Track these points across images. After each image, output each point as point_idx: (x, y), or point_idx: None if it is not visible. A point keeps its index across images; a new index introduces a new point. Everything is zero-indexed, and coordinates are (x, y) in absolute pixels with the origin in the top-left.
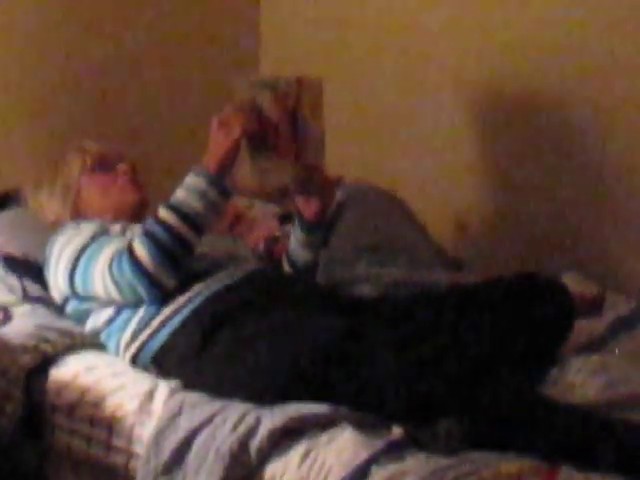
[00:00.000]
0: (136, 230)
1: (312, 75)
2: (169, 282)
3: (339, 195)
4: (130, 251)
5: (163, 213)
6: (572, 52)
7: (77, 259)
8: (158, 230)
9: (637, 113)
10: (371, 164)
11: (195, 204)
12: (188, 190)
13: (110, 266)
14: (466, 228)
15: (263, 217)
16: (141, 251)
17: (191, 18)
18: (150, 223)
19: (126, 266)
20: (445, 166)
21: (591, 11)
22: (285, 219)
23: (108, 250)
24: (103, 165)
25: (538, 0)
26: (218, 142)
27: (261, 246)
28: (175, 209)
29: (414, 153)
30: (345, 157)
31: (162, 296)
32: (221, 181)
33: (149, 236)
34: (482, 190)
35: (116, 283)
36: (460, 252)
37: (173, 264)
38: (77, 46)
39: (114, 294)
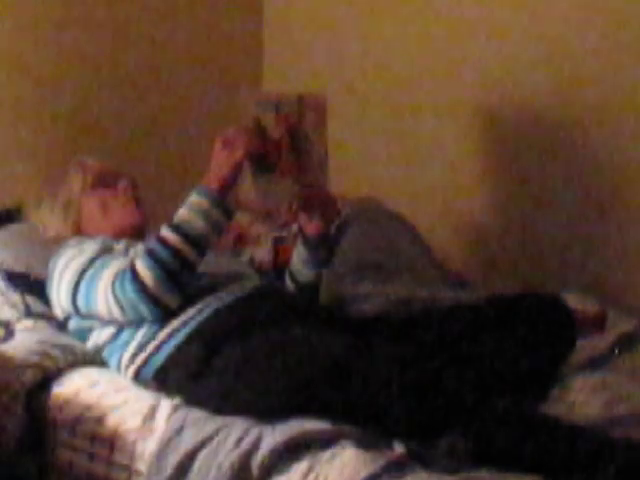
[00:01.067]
0: (139, 249)
1: (316, 91)
2: (171, 302)
3: (343, 213)
4: (133, 271)
5: (166, 233)
6: (574, 66)
7: (80, 277)
8: (161, 250)
9: None
10: (375, 180)
11: (198, 224)
12: (191, 210)
13: (113, 286)
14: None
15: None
16: (144, 271)
17: (193, 36)
18: (153, 243)
19: (129, 286)
20: (449, 183)
21: (590, 28)
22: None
23: (111, 269)
24: (104, 182)
25: (536, 17)
26: (221, 162)
27: (270, 256)
28: (178, 229)
29: (419, 169)
30: (349, 173)
31: (164, 315)
32: (224, 201)
33: (152, 256)
34: (485, 208)
35: (118, 302)
36: (462, 269)
37: (175, 284)
38: (79, 62)
39: (116, 313)
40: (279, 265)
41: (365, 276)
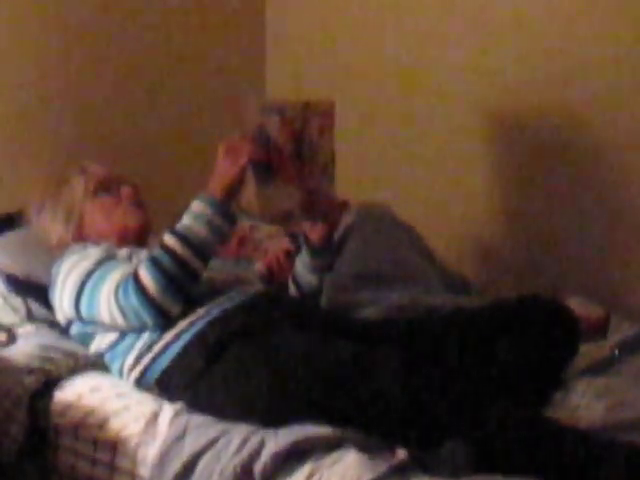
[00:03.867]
0: (142, 256)
1: (323, 97)
2: (174, 309)
3: (348, 219)
4: (136, 278)
5: (169, 240)
6: (585, 75)
7: (83, 284)
8: (164, 257)
9: None
10: (381, 185)
11: (201, 231)
12: (194, 217)
13: (116, 293)
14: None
15: (273, 236)
16: (147, 278)
17: (197, 43)
18: (156, 251)
19: (132, 293)
20: (455, 188)
21: (601, 36)
22: (295, 238)
23: (114, 276)
24: (106, 188)
25: (565, 21)
26: (225, 169)
27: (274, 265)
28: (181, 236)
29: (425, 174)
30: (357, 179)
31: (167, 322)
32: (227, 208)
33: (155, 263)
34: (490, 213)
35: (121, 309)
36: (467, 274)
37: (179, 292)
38: (82, 66)
39: (119, 320)
40: (275, 278)
41: (366, 285)
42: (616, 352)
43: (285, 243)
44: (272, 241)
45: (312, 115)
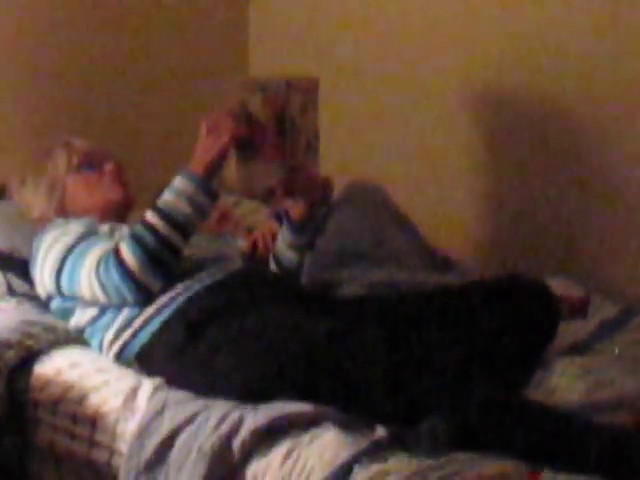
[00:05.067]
0: (124, 232)
1: (307, 74)
2: (155, 285)
3: (334, 196)
4: (117, 254)
5: (150, 217)
6: (579, 62)
7: (64, 259)
8: (145, 234)
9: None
10: (366, 164)
11: (183, 208)
12: (176, 193)
13: (97, 268)
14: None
15: (259, 215)
16: (128, 254)
17: (179, 20)
18: (137, 227)
19: (113, 269)
20: (443, 169)
21: (602, 18)
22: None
23: (95, 252)
24: (89, 163)
25: (545, 6)
26: (207, 146)
27: (260, 245)
28: (162, 213)
29: (410, 154)
30: (341, 157)
31: (147, 299)
32: (209, 185)
33: (136, 239)
34: (471, 194)
35: (102, 285)
36: (450, 253)
37: (160, 268)
38: (66, 42)
39: (100, 295)
40: (258, 256)
41: (346, 263)
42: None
43: (273, 224)
44: (258, 220)
45: (295, 92)
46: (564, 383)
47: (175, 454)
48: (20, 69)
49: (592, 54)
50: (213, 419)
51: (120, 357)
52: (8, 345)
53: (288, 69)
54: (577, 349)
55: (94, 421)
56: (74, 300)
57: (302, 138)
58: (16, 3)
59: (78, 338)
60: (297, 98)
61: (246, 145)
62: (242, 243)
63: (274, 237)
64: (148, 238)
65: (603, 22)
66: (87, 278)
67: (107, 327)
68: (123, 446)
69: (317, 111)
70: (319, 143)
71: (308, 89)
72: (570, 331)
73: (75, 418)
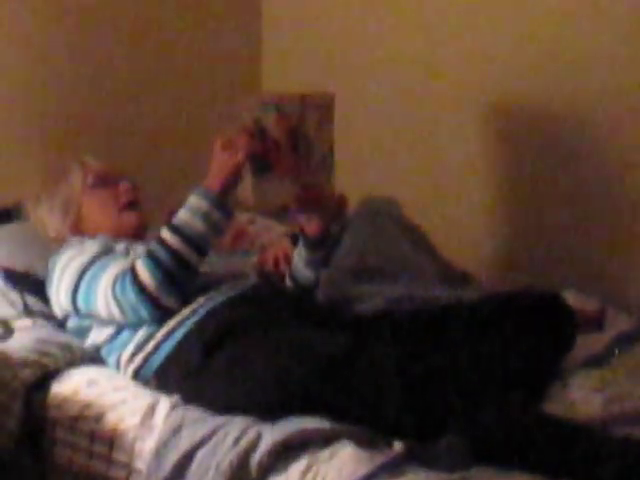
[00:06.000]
0: (139, 251)
1: (322, 89)
2: (171, 304)
3: (349, 212)
4: (133, 273)
5: (166, 235)
6: (595, 74)
7: (80, 278)
8: (161, 252)
9: None
10: (381, 179)
11: (198, 226)
12: (191, 211)
13: (113, 287)
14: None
15: (273, 235)
16: (144, 273)
17: (193, 38)
18: (153, 245)
19: (129, 288)
20: (455, 180)
21: (607, 25)
22: (296, 238)
23: (111, 271)
24: (104, 183)
25: (554, 18)
26: (221, 163)
27: (270, 264)
28: (178, 231)
29: (425, 168)
30: (355, 173)
31: (164, 317)
32: (224, 203)
33: (152, 258)
34: (485, 206)
35: (118, 304)
36: (466, 266)
37: (176, 286)
38: (79, 61)
39: (116, 314)
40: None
41: (362, 279)
42: (616, 351)
43: (286, 244)
44: (272, 238)
45: (310, 108)
46: (581, 396)
47: (193, 471)
48: (35, 87)
49: (610, 65)
50: (231, 436)
51: (137, 375)
52: (25, 364)
53: (301, 85)
54: (593, 362)
55: (112, 439)
56: (90, 319)
57: (317, 154)
58: (32, 22)
59: (94, 357)
60: (312, 114)
61: (260, 162)
62: (255, 260)
63: (287, 257)
64: (164, 256)
65: (624, 29)
66: (103, 297)
67: (124, 345)
68: (141, 464)
69: (333, 126)
70: (334, 159)
71: (324, 105)
72: (586, 344)
73: (93, 436)
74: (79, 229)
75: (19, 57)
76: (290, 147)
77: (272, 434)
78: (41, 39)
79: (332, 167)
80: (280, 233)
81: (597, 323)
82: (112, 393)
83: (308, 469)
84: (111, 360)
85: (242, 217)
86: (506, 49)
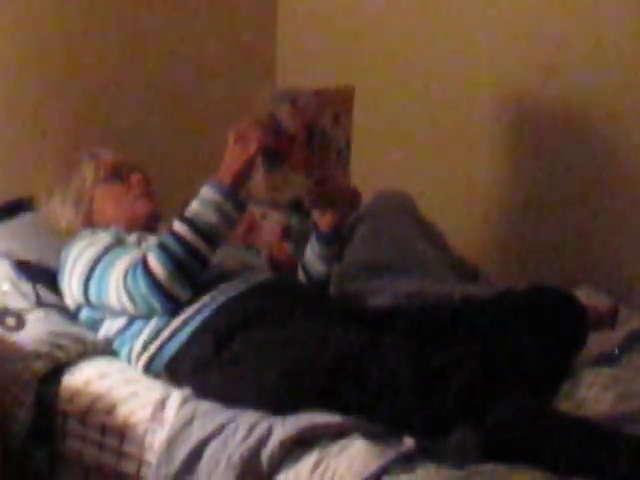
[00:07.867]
0: (151, 242)
1: (342, 82)
2: (183, 295)
3: (362, 206)
4: (145, 264)
5: (178, 226)
6: (609, 75)
7: (92, 269)
8: (173, 243)
9: None
10: (396, 172)
11: (210, 217)
12: (203, 203)
13: (125, 278)
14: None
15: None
16: (155, 264)
17: (207, 31)
18: (165, 236)
19: (141, 279)
20: (468, 176)
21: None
22: (288, 231)
23: (123, 262)
24: (116, 175)
25: (575, 16)
26: (234, 156)
27: (276, 254)
28: (190, 222)
29: (440, 161)
30: (372, 166)
31: (175, 308)
32: (236, 194)
33: (164, 249)
34: (498, 201)
35: (130, 295)
36: (478, 262)
37: (187, 277)
38: (89, 54)
39: (128, 305)
40: (281, 266)
41: (374, 274)
42: (616, 350)
43: (276, 229)
44: (265, 228)
45: (326, 103)
46: (593, 394)
47: (204, 465)
48: (47, 82)
49: (626, 67)
50: (242, 430)
51: (149, 368)
52: (37, 356)
53: (317, 79)
54: (605, 360)
55: (123, 432)
56: (103, 310)
57: (333, 148)
58: (47, 22)
59: (106, 349)
60: (329, 108)
61: (273, 155)
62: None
63: (284, 235)
64: (176, 248)
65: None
66: (115, 288)
67: (135, 337)
68: (152, 457)
69: (350, 120)
70: (351, 153)
71: (342, 98)
72: (598, 342)
73: (104, 429)
74: (91, 221)
75: (34, 52)
76: (304, 141)
77: (283, 428)
78: (62, 28)
79: (348, 161)
80: (274, 222)
81: (609, 321)
82: (123, 386)
83: (318, 463)
84: (123, 352)
85: (256, 211)
86: (524, 50)
